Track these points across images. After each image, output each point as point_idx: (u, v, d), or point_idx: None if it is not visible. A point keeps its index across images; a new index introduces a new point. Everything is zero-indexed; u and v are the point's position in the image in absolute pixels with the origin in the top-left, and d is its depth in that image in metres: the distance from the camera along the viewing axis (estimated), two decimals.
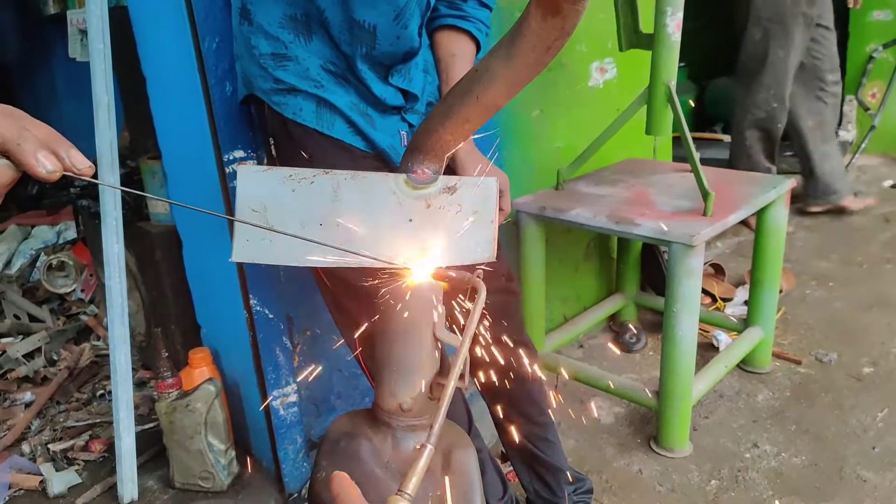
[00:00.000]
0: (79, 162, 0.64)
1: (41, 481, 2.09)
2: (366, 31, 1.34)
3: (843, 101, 5.09)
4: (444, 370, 0.85)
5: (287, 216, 0.77)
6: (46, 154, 0.61)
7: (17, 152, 0.60)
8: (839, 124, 5.06)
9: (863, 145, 4.97)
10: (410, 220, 0.81)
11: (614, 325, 2.91)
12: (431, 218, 0.81)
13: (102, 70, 1.85)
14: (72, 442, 2.28)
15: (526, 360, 1.69)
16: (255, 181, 0.79)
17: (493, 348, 1.63)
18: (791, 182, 2.31)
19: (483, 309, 1.59)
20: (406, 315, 0.80)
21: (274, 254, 0.78)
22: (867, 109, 5.05)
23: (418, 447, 0.68)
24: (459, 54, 1.53)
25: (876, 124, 4.98)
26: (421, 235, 0.81)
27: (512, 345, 1.64)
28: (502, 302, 1.61)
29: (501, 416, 1.74)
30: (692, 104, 5.65)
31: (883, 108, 4.99)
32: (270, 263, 0.77)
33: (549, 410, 1.77)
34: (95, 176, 0.65)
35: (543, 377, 1.78)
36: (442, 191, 0.82)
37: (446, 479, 0.85)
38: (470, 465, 0.91)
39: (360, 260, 0.78)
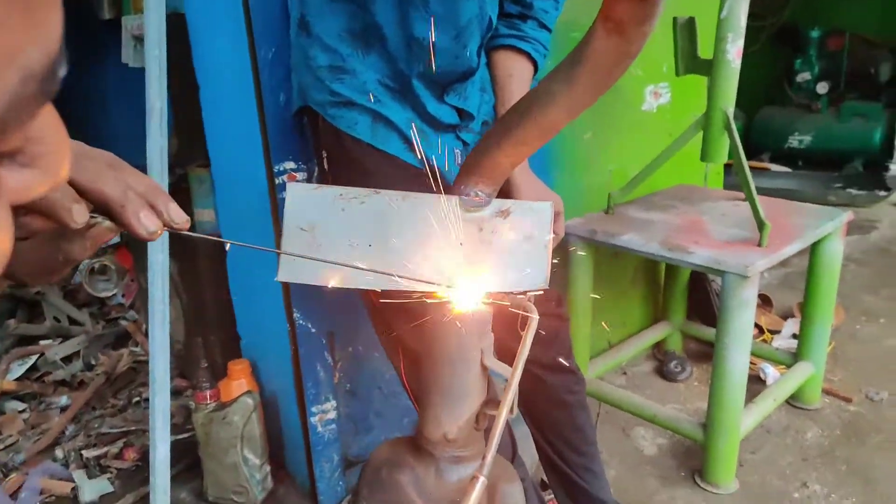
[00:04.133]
0: (176, 216, 0.62)
1: (73, 488, 2.09)
2: (424, 49, 1.32)
3: (894, 134, 4.99)
4: (490, 400, 0.81)
5: (336, 236, 0.75)
6: (147, 213, 0.59)
7: (120, 213, 0.58)
8: (890, 158, 4.96)
9: None
10: (462, 244, 0.77)
11: (658, 353, 2.84)
12: (483, 242, 0.78)
13: (157, 76, 1.85)
14: (105, 449, 2.28)
15: (573, 388, 1.65)
16: (305, 199, 0.77)
17: (540, 373, 1.59)
18: (847, 215, 2.24)
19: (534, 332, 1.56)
20: (455, 341, 0.77)
21: (320, 275, 0.76)
22: None
23: (470, 479, 0.64)
24: (517, 75, 1.51)
25: None
26: (472, 260, 0.77)
27: (559, 371, 1.61)
28: (551, 327, 1.57)
29: (545, 443, 1.69)
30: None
31: None
32: (316, 284, 0.75)
33: (595, 440, 1.72)
34: (192, 229, 0.63)
35: (589, 405, 1.73)
36: (495, 214, 0.79)
37: None
38: (516, 499, 0.88)
39: (407, 284, 0.75)
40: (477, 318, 0.77)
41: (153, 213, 0.60)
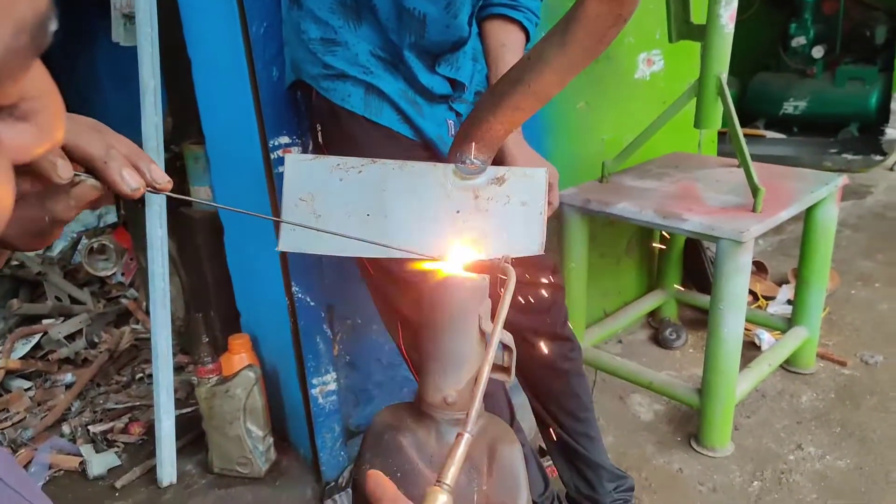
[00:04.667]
0: (159, 177, 0.64)
1: (81, 462, 2.12)
2: (415, 20, 1.32)
3: (890, 98, 4.98)
4: (497, 366, 0.83)
5: (334, 205, 0.76)
6: (131, 172, 0.61)
7: (103, 169, 0.60)
8: (886, 122, 4.95)
9: None
10: (458, 212, 0.79)
11: (654, 321, 2.87)
12: (479, 209, 0.79)
13: (150, 54, 1.85)
14: (111, 424, 2.31)
15: (569, 355, 1.67)
16: (303, 170, 0.78)
17: (536, 342, 1.62)
18: (842, 179, 2.25)
19: (528, 302, 1.57)
20: (452, 307, 0.79)
21: (320, 244, 0.77)
22: None
23: (455, 436, 0.66)
24: (509, 45, 1.50)
25: None
26: (468, 226, 0.78)
27: (555, 339, 1.63)
28: (547, 296, 1.59)
29: (543, 411, 1.72)
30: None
31: None
32: (317, 254, 0.76)
33: (591, 406, 1.75)
34: (174, 189, 0.65)
35: (586, 373, 1.76)
36: (490, 181, 0.80)
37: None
38: (515, 460, 0.90)
39: (404, 252, 0.77)
40: (474, 284, 0.78)
41: (136, 172, 0.62)
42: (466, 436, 0.65)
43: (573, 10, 0.77)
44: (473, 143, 0.85)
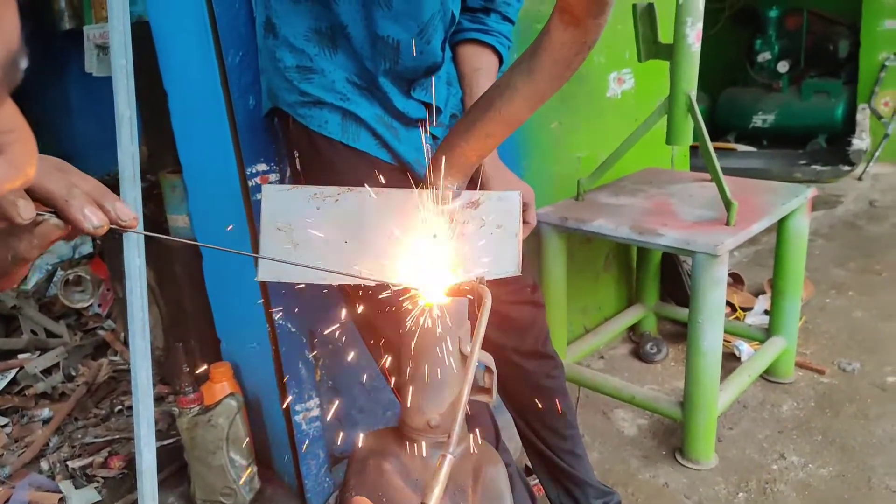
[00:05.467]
0: (124, 214, 0.64)
1: (61, 499, 2.08)
2: (389, 47, 1.34)
3: (855, 110, 5.09)
4: (478, 387, 0.84)
5: (312, 234, 0.77)
6: (93, 209, 0.61)
7: (65, 208, 0.60)
8: (852, 133, 5.06)
9: (877, 153, 4.96)
10: (435, 236, 0.80)
11: (634, 335, 2.89)
12: (455, 233, 0.80)
13: (125, 85, 1.84)
14: (91, 459, 2.27)
15: (552, 373, 1.68)
16: (281, 200, 0.79)
17: (518, 361, 1.62)
18: (811, 190, 2.30)
19: (509, 321, 1.58)
20: (432, 331, 0.80)
21: (298, 272, 0.78)
22: (881, 118, 5.05)
23: (439, 458, 0.67)
24: (483, 69, 1.53)
25: (890, 132, 4.97)
26: (445, 250, 0.79)
27: (537, 357, 1.64)
28: (528, 315, 1.60)
29: (527, 430, 1.72)
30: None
31: None
32: (295, 282, 0.76)
33: (576, 423, 1.75)
34: (167, 233, 0.66)
35: (569, 390, 1.76)
36: (465, 206, 0.81)
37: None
38: (500, 481, 0.90)
39: (382, 279, 0.78)
40: (453, 307, 0.79)
41: (99, 209, 0.62)
42: (449, 457, 0.65)
43: (539, 39, 0.79)
44: (447, 170, 0.87)
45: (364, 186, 0.95)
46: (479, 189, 1.51)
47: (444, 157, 0.87)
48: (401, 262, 0.79)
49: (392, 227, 0.79)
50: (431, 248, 0.80)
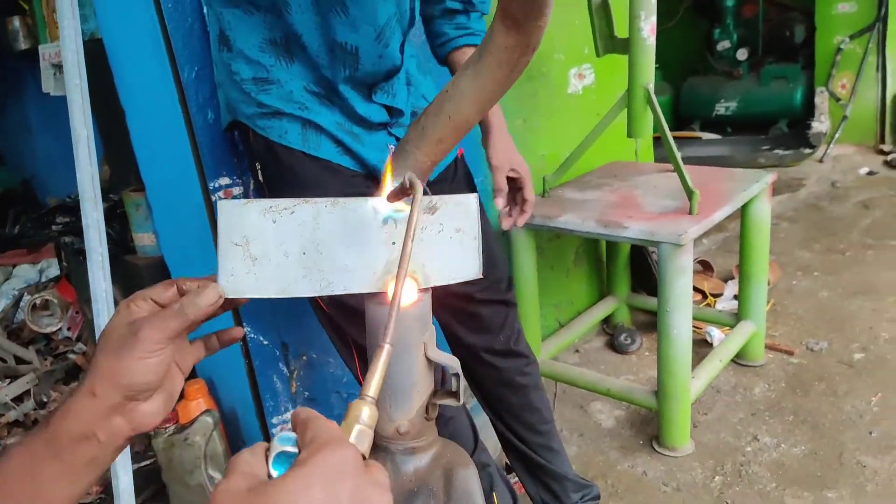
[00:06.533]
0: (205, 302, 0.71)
1: None
2: (348, 53, 1.34)
3: (814, 93, 5.18)
4: (438, 390, 0.84)
5: (269, 247, 0.77)
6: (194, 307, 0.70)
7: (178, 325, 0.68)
8: (812, 116, 5.15)
9: (836, 135, 5.05)
10: (393, 243, 0.79)
11: (608, 327, 2.92)
12: (415, 239, 0.80)
13: (80, 105, 1.82)
14: None
15: (525, 370, 1.69)
16: (236, 215, 0.78)
17: (491, 360, 1.63)
18: (772, 175, 2.34)
19: (480, 321, 1.59)
20: (396, 337, 0.79)
21: (260, 287, 0.77)
22: (838, 100, 5.14)
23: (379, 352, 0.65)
24: None
25: (848, 114, 5.07)
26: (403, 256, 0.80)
27: (510, 356, 1.65)
28: (500, 313, 1.61)
29: (504, 428, 1.73)
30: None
31: (853, 98, 5.08)
32: (258, 297, 0.76)
33: (552, 418, 1.77)
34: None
35: (544, 386, 1.78)
36: (423, 211, 0.81)
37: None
38: (472, 484, 0.90)
39: (344, 288, 0.78)
40: (416, 312, 0.79)
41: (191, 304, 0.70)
42: (387, 346, 0.64)
43: (484, 42, 0.80)
44: (402, 176, 0.87)
45: (320, 197, 0.96)
46: (486, 153, 1.53)
47: (397, 162, 0.87)
48: (359, 270, 0.78)
49: (349, 236, 0.79)
50: (390, 255, 0.80)
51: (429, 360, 0.81)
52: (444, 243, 0.81)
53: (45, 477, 0.63)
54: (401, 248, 0.78)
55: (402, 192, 0.75)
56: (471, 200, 0.83)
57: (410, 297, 0.79)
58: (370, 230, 0.79)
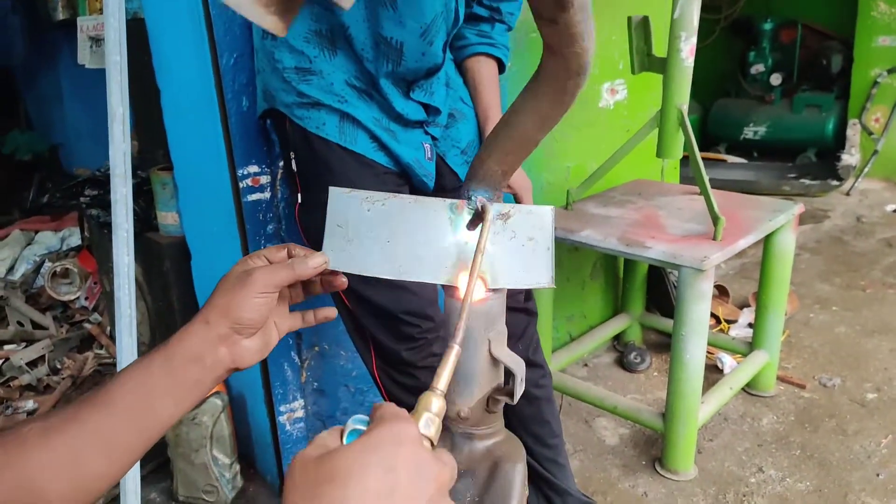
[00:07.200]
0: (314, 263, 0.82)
1: None
2: (393, 49, 1.35)
3: (846, 125, 5.13)
4: (501, 387, 0.87)
5: (363, 232, 0.87)
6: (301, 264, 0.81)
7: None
8: (842, 148, 5.10)
9: (866, 169, 5.00)
10: (466, 243, 0.85)
11: (619, 345, 2.91)
12: (485, 242, 0.86)
13: (118, 81, 1.84)
14: None
15: (540, 381, 1.69)
16: (341, 201, 0.89)
17: None
18: (798, 207, 2.32)
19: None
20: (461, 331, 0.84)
21: (352, 264, 0.87)
22: (871, 134, 5.08)
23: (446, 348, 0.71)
24: (492, 80, 1.60)
25: (879, 149, 5.01)
26: (476, 259, 0.85)
27: (527, 365, 1.64)
28: (520, 322, 1.61)
29: None
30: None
31: (886, 132, 5.02)
32: (351, 272, 0.87)
33: (560, 432, 1.77)
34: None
35: (555, 399, 1.78)
36: (496, 217, 0.86)
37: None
38: (513, 477, 0.93)
39: (413, 276, 0.85)
40: (482, 310, 0.83)
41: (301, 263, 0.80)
42: (456, 347, 0.70)
43: (539, 64, 0.81)
44: (477, 181, 0.89)
45: (403, 193, 1.02)
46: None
47: (474, 169, 0.91)
48: (433, 265, 0.85)
49: (426, 233, 0.85)
50: (463, 255, 0.84)
51: (493, 358, 0.85)
52: (516, 249, 0.85)
53: (157, 391, 0.71)
54: (473, 248, 0.82)
55: (478, 218, 0.81)
56: (546, 211, 0.85)
57: (478, 294, 0.84)
58: (445, 230, 0.85)
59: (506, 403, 1.68)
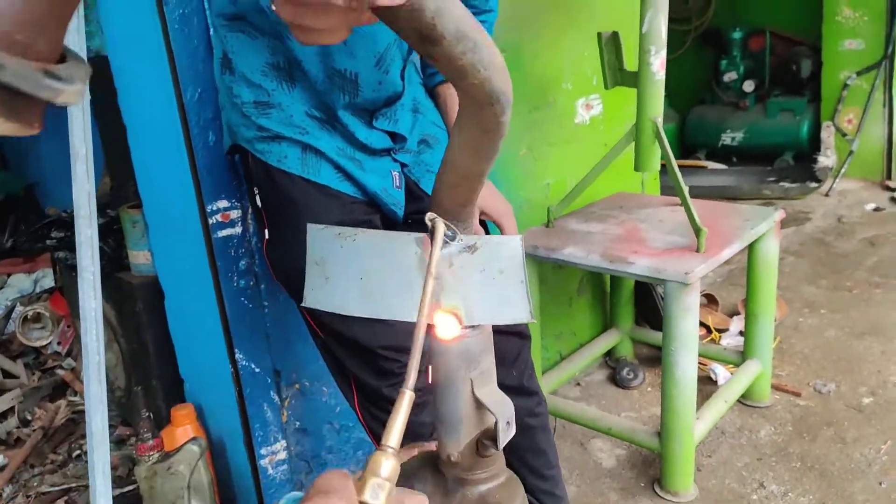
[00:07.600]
0: None
1: None
2: (347, 80, 1.31)
3: (820, 127, 5.17)
4: (488, 430, 0.83)
5: (338, 268, 0.85)
6: None
7: None
8: (818, 150, 5.13)
9: (843, 170, 5.02)
10: (436, 279, 0.79)
11: (610, 361, 2.86)
12: (456, 277, 0.81)
13: (80, 122, 1.78)
14: None
15: (535, 410, 1.62)
16: (318, 237, 0.87)
17: None
18: (780, 213, 2.29)
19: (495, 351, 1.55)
20: (442, 371, 0.81)
21: (330, 303, 0.85)
22: (844, 135, 5.11)
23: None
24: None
25: (854, 149, 5.04)
26: (447, 294, 0.80)
27: (521, 393, 1.57)
28: (513, 346, 1.54)
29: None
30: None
31: (860, 133, 5.05)
32: (331, 311, 0.85)
33: (557, 462, 1.70)
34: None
35: (551, 428, 1.71)
36: (462, 250, 0.80)
37: None
38: None
39: (388, 315, 0.82)
40: (460, 348, 0.79)
41: None
42: (408, 393, 0.65)
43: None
44: (440, 214, 0.85)
45: (374, 221, 1.06)
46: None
47: (435, 202, 0.86)
48: (405, 302, 0.80)
49: (396, 268, 0.82)
50: (434, 290, 0.79)
51: (476, 399, 0.81)
52: (487, 283, 0.79)
53: None
54: (443, 286, 0.78)
55: (431, 235, 0.77)
56: (514, 242, 0.80)
57: (452, 332, 0.80)
58: (414, 265, 0.81)
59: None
